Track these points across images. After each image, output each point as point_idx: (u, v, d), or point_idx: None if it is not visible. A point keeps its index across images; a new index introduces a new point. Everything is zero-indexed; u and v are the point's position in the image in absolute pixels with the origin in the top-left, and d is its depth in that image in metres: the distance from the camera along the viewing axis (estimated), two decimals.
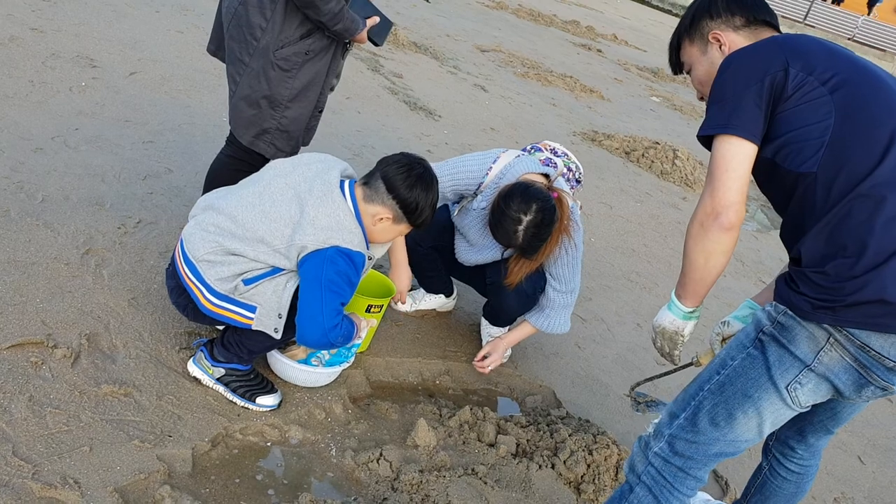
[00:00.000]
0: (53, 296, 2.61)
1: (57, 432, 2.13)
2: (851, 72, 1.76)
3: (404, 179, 2.31)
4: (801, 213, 1.79)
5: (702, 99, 2.12)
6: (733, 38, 2.01)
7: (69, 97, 4.17)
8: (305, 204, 2.25)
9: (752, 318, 1.89)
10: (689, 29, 2.10)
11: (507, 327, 3.32)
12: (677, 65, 2.18)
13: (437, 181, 2.41)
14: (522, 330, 3.11)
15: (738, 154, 1.77)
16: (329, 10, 2.57)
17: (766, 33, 2.00)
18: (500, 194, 2.73)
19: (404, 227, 2.43)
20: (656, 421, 2.03)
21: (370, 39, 2.86)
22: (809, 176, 1.74)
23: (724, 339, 2.17)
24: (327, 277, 2.20)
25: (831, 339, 1.71)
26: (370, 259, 2.40)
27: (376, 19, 2.84)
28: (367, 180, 2.36)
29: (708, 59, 2.06)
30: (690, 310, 2.00)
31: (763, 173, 1.86)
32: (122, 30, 5.58)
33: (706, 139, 1.85)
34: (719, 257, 1.83)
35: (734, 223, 1.78)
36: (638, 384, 2.46)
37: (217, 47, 2.91)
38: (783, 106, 1.75)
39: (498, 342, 3.09)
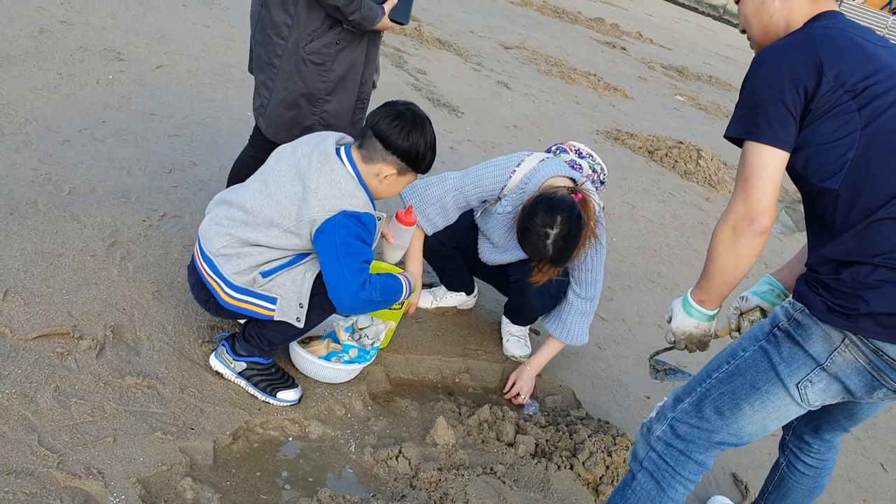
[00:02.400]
0: (79, 287, 2.64)
1: (81, 423, 2.15)
2: (887, 83, 1.71)
3: (399, 131, 2.28)
4: (823, 224, 1.79)
5: (743, 31, 2.04)
6: None
7: (96, 90, 4.21)
8: (306, 178, 2.26)
9: (772, 312, 1.89)
10: None
11: (528, 326, 3.32)
12: None
13: (429, 121, 2.37)
14: (546, 350, 3.09)
15: (772, 162, 1.75)
16: None
17: (825, 2, 1.86)
18: (523, 210, 2.71)
19: (411, 177, 2.40)
20: (660, 404, 2.04)
21: (394, 21, 2.77)
22: (831, 192, 1.73)
23: (741, 314, 2.18)
24: (341, 241, 2.21)
25: (846, 341, 1.71)
26: (379, 220, 2.38)
27: (394, 0, 2.75)
28: (362, 141, 2.34)
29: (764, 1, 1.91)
30: (714, 312, 1.99)
31: (792, 176, 1.84)
32: (149, 23, 5.63)
33: (736, 138, 1.83)
34: (749, 260, 1.82)
35: (768, 227, 1.77)
36: (658, 352, 2.42)
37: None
38: (812, 115, 1.73)
39: (523, 370, 3.06)
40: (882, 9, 28.32)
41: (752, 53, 1.95)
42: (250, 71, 2.93)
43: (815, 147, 1.73)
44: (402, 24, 2.82)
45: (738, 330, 2.21)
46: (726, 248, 1.82)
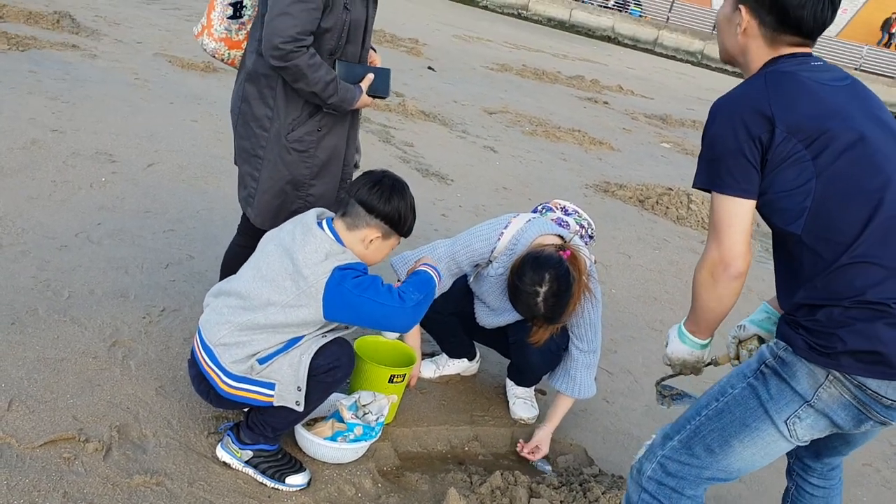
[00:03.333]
0: (83, 390, 2.66)
1: None
2: (839, 130, 1.74)
3: (379, 196, 2.37)
4: (792, 271, 1.84)
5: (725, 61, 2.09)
6: (752, 28, 1.88)
7: (90, 193, 4.30)
8: (293, 252, 2.31)
9: (758, 351, 1.93)
10: None
11: (533, 387, 3.32)
12: None
13: (406, 186, 2.47)
14: (559, 409, 3.07)
15: (739, 211, 1.81)
16: (319, 77, 2.58)
17: (786, 47, 1.88)
18: (511, 270, 2.75)
19: (395, 241, 2.48)
20: (648, 443, 2.05)
21: (374, 97, 2.84)
22: (795, 236, 1.79)
23: (739, 343, 2.21)
24: (353, 288, 2.27)
25: (830, 377, 1.74)
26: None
27: (370, 77, 2.79)
28: (345, 210, 2.41)
29: (730, 21, 1.95)
30: (706, 342, 2.06)
31: (762, 215, 1.90)
32: (139, 123, 5.77)
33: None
34: (731, 299, 1.88)
35: (743, 271, 1.83)
36: (665, 378, 2.42)
37: None
38: (770, 164, 1.78)
39: (542, 434, 3.03)
40: (879, 43, 28.88)
41: None
42: (236, 164, 3.00)
43: (776, 194, 1.79)
44: (382, 97, 2.90)
45: (738, 358, 2.23)
46: (707, 292, 1.89)
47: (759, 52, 1.92)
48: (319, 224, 2.40)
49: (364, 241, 2.41)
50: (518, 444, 3.02)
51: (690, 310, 2.01)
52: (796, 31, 1.86)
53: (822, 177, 1.74)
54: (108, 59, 7.49)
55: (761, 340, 2.20)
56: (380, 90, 2.86)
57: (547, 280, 2.66)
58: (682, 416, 2.00)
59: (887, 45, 29.46)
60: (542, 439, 3.01)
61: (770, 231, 1.95)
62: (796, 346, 1.78)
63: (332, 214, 2.51)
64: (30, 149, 4.71)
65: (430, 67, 11.80)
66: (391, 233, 2.44)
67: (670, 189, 7.38)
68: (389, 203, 2.39)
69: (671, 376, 2.35)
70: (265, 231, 2.77)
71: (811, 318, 1.76)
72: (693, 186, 1.94)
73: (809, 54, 1.91)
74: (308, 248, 2.31)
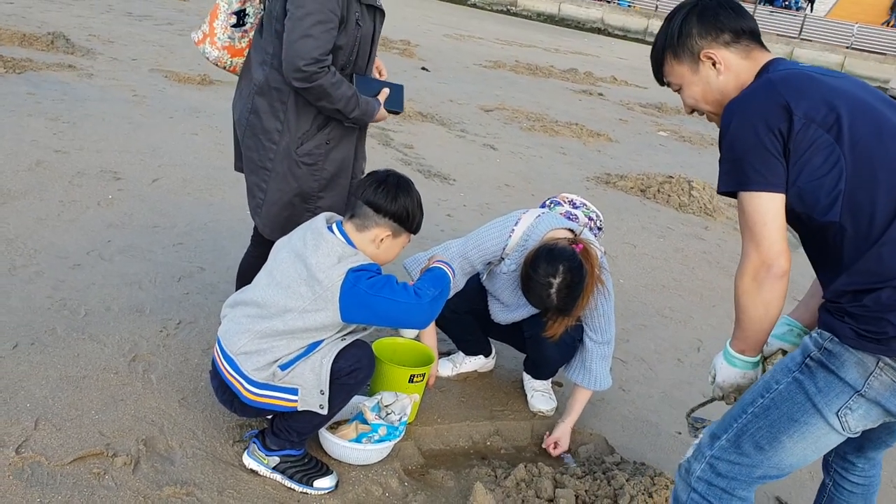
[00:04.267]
0: (107, 406, 2.68)
1: None
2: (853, 111, 1.75)
3: (385, 195, 2.40)
4: (831, 259, 1.80)
5: (692, 112, 2.11)
6: (726, 56, 1.95)
7: (98, 211, 4.33)
8: (305, 257, 2.34)
9: (801, 343, 1.87)
10: (675, 47, 2.02)
11: (550, 380, 3.34)
12: (662, 80, 2.13)
13: (411, 183, 2.49)
14: (577, 402, 3.10)
15: (771, 208, 1.76)
16: (342, 94, 2.63)
17: (757, 52, 1.97)
18: (525, 262, 2.78)
19: (405, 238, 2.51)
20: (696, 442, 2.02)
21: (390, 112, 2.89)
22: (834, 225, 1.75)
23: (765, 359, 2.18)
24: (368, 289, 2.29)
25: (881, 364, 1.70)
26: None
27: (387, 91, 2.86)
28: (353, 212, 2.44)
29: (702, 78, 2.00)
30: (757, 359, 1.98)
31: (789, 218, 1.85)
32: (140, 139, 5.80)
33: (730, 192, 1.85)
34: (778, 303, 1.82)
35: (786, 269, 1.78)
36: (694, 409, 2.43)
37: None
38: (794, 154, 1.75)
39: (563, 428, 3.05)
40: (883, 24, 28.78)
41: None
42: (237, 169, 3.02)
43: (807, 184, 1.75)
44: (397, 112, 2.95)
45: None
46: (752, 299, 1.82)
47: (745, 69, 1.96)
48: (329, 228, 2.43)
49: (375, 241, 2.43)
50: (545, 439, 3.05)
51: (735, 327, 1.94)
52: (750, 35, 1.96)
53: (849, 158, 1.72)
54: (105, 78, 7.53)
55: (786, 354, 2.19)
56: (395, 105, 2.92)
57: (561, 272, 2.69)
58: (728, 415, 1.95)
59: (893, 25, 29.24)
60: (563, 433, 3.04)
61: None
62: (843, 335, 1.72)
63: (340, 218, 2.53)
64: (35, 170, 4.74)
65: (423, 68, 11.84)
66: (400, 230, 2.46)
67: (671, 177, 7.40)
68: (396, 201, 2.41)
69: (700, 406, 2.34)
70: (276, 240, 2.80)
71: (857, 303, 1.71)
72: (719, 192, 1.89)
73: (784, 59, 1.97)
74: (321, 253, 2.33)
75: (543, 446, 3.04)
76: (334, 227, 2.43)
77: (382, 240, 2.44)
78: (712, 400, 2.36)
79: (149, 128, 6.15)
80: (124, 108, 6.55)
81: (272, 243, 2.86)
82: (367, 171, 2.61)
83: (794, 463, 1.86)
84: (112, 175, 4.93)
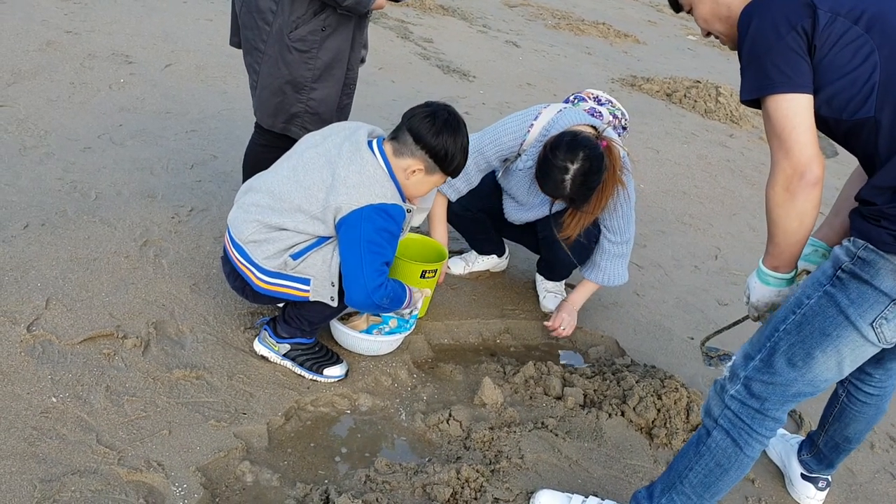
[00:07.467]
0: (118, 288, 2.67)
1: (136, 419, 2.19)
2: (878, 3, 1.64)
3: (430, 127, 2.27)
4: (867, 156, 1.71)
5: (708, 35, 2.02)
6: None
7: (110, 95, 4.24)
8: (336, 166, 2.25)
9: (831, 254, 1.80)
10: None
11: (563, 281, 3.31)
12: (676, 4, 2.04)
13: (464, 125, 2.35)
14: (585, 289, 3.08)
15: (798, 110, 1.67)
16: None
17: None
18: (546, 145, 2.67)
19: (438, 178, 2.39)
20: (729, 364, 1.99)
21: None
22: (868, 121, 1.66)
23: None
24: (366, 238, 2.20)
25: None
26: (409, 211, 2.38)
27: None
28: (396, 135, 2.33)
29: None
30: (791, 275, 1.91)
31: (818, 123, 1.75)
32: (153, 24, 5.64)
33: (753, 101, 1.75)
34: (812, 214, 1.74)
35: (820, 176, 1.69)
36: (708, 338, 2.39)
37: (239, 39, 2.86)
38: (820, 52, 1.65)
39: (564, 305, 3.05)
40: None
41: None
42: (232, 45, 2.90)
43: (837, 82, 1.66)
44: (398, 0, 2.79)
45: None
46: (785, 210, 1.74)
47: None
48: (370, 144, 2.32)
49: (406, 171, 2.32)
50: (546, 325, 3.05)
51: (768, 243, 1.86)
52: None
53: (884, 48, 1.62)
54: None
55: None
56: None
57: (580, 158, 2.58)
58: (761, 333, 1.89)
59: None
60: (569, 313, 3.02)
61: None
62: (880, 241, 1.64)
63: (383, 133, 2.42)
64: (45, 50, 4.62)
65: None
66: (435, 169, 2.33)
67: (698, 82, 7.17)
68: (438, 137, 2.27)
69: (715, 334, 2.28)
70: (273, 130, 2.71)
71: (895, 203, 1.62)
72: (742, 101, 1.79)
73: None
74: (353, 168, 2.24)
75: (546, 324, 3.03)
76: (374, 144, 2.32)
77: (414, 171, 2.32)
78: (725, 328, 2.32)
79: (162, 12, 5.97)
80: None
81: (277, 133, 2.78)
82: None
83: (829, 378, 1.81)
84: (124, 59, 4.80)
